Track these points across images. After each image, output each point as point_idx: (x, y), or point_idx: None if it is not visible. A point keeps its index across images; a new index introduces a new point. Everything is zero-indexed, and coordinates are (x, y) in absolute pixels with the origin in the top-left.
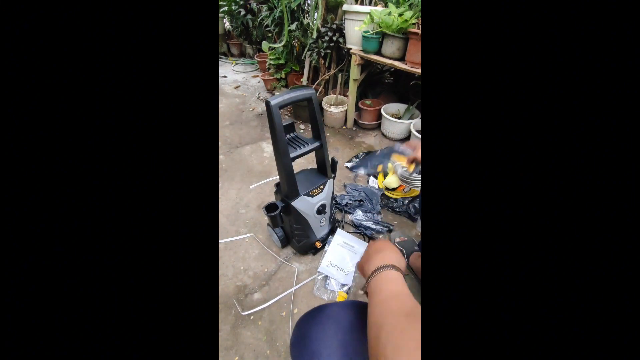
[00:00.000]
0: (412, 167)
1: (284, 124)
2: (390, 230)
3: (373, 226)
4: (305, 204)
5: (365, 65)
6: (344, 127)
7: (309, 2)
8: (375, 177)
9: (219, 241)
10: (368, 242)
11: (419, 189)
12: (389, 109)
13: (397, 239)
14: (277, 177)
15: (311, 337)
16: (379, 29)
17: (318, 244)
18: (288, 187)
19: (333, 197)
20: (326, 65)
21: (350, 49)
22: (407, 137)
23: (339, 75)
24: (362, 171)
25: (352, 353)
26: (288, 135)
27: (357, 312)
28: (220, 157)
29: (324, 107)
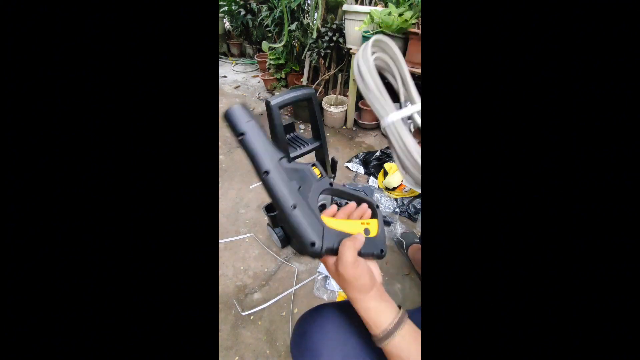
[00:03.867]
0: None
1: (284, 124)
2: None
3: None
4: None
5: None
6: (344, 127)
7: (309, 2)
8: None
9: (219, 241)
10: None
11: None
12: None
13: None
14: None
15: (312, 336)
16: (379, 29)
17: None
18: None
19: (333, 197)
20: (326, 65)
21: (350, 49)
22: None
23: (339, 75)
24: None
25: (352, 352)
26: (288, 135)
27: (354, 312)
28: (220, 157)
29: (324, 107)
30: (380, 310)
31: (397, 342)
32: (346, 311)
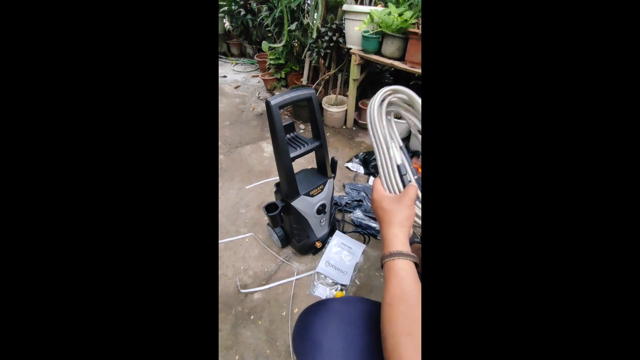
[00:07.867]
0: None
1: (284, 124)
2: None
3: (373, 224)
4: (305, 204)
5: (365, 65)
6: (344, 127)
7: (309, 2)
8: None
9: (219, 241)
10: (366, 243)
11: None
12: None
13: None
14: (277, 177)
15: (314, 328)
16: (379, 29)
17: (318, 244)
18: (288, 187)
19: (333, 197)
20: (326, 65)
21: (350, 49)
22: (407, 137)
23: (339, 75)
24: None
25: (353, 345)
26: (288, 135)
27: (358, 307)
28: (220, 157)
29: (324, 107)
30: (395, 240)
31: (397, 264)
32: (348, 307)
